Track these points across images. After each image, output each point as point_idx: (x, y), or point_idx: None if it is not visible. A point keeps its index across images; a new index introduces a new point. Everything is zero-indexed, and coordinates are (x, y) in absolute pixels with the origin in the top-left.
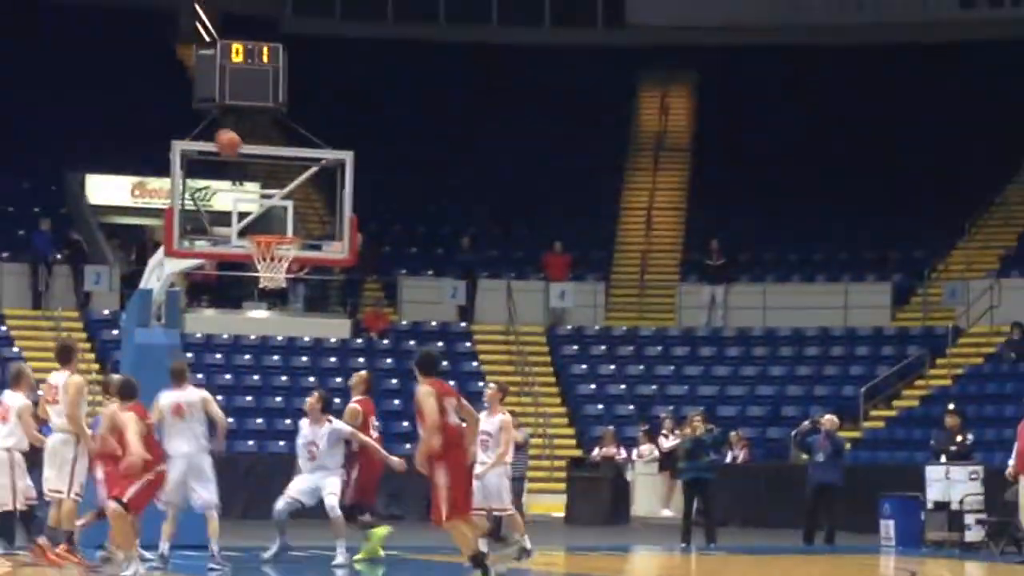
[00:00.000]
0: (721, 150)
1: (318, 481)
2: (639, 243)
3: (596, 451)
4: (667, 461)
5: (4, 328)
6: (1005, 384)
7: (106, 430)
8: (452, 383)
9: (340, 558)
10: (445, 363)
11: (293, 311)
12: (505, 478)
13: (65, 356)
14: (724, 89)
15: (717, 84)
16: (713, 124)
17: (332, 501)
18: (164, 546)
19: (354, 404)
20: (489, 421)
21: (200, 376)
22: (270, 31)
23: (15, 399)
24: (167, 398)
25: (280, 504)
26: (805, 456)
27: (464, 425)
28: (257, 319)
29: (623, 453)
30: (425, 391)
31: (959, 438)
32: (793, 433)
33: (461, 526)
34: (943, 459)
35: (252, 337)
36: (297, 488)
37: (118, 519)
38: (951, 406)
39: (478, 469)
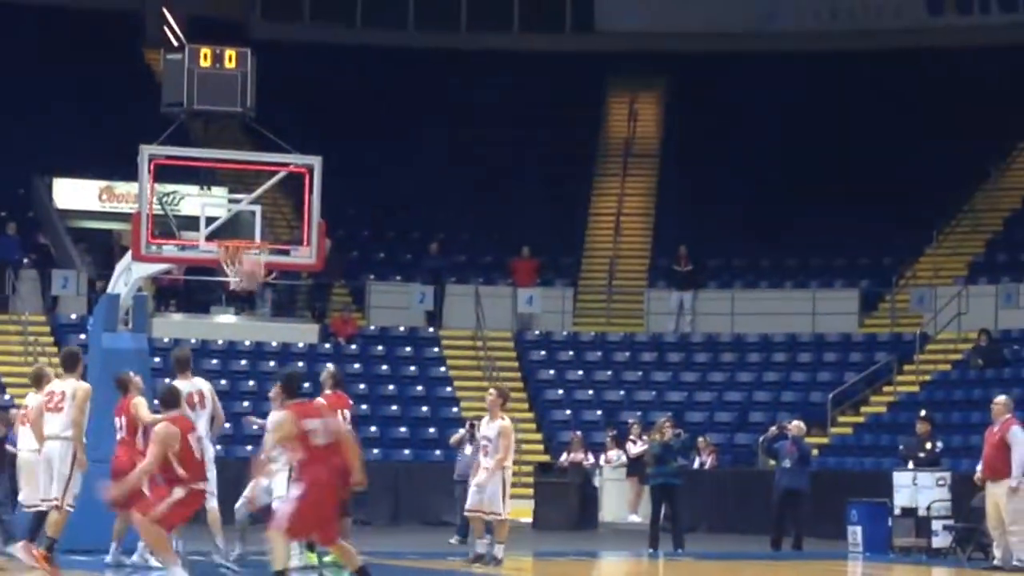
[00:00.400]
0: (689, 156)
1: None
2: (607, 249)
3: (564, 456)
4: (635, 467)
5: None
6: (972, 391)
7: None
8: (420, 388)
9: (295, 560)
10: (413, 368)
11: (261, 316)
12: (502, 483)
13: (71, 363)
14: (693, 95)
15: (686, 90)
16: (682, 130)
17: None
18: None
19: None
20: (489, 426)
21: (168, 380)
22: (238, 36)
23: (38, 401)
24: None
25: (237, 504)
26: (772, 462)
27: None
28: (224, 324)
29: (591, 459)
30: (276, 421)
31: (928, 445)
32: (760, 439)
33: (283, 544)
34: (911, 465)
35: (219, 342)
36: (250, 488)
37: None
38: (922, 412)
39: (481, 475)
